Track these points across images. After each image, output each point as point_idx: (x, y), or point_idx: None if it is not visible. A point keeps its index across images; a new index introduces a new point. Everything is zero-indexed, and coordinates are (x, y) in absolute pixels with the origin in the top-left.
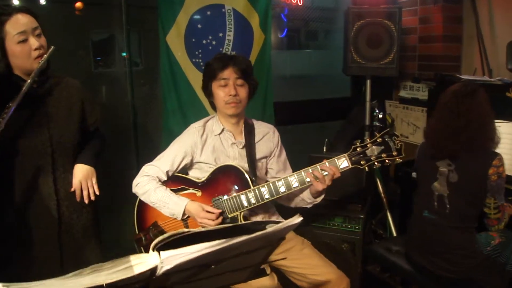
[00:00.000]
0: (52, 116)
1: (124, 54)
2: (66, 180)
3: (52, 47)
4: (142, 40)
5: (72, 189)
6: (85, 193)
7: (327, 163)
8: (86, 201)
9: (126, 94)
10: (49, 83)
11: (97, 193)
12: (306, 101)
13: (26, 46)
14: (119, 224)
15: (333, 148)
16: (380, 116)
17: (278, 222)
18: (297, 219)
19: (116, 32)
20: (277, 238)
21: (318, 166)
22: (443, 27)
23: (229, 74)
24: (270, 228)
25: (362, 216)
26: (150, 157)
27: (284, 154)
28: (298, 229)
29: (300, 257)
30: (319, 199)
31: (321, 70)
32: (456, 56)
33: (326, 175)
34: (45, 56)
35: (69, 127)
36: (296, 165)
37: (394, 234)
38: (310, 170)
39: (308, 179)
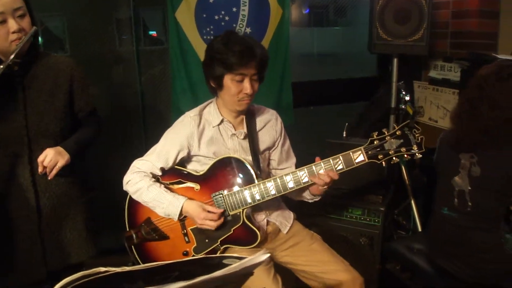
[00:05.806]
0: (31, 101)
1: (151, 32)
2: None
3: (34, 27)
4: (166, 18)
5: (39, 160)
6: (40, 169)
7: (322, 164)
8: (40, 170)
9: (135, 75)
10: (34, 65)
11: (49, 178)
12: (327, 81)
13: (3, 28)
14: (122, 215)
15: (354, 132)
16: (407, 98)
17: (239, 258)
18: (263, 256)
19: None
20: (241, 275)
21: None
22: (479, 1)
23: (249, 70)
24: (228, 267)
25: (382, 209)
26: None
27: (287, 142)
28: (313, 220)
29: (308, 254)
30: (318, 197)
31: (346, 48)
32: (492, 34)
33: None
34: (24, 38)
35: (49, 113)
36: (314, 152)
37: (419, 228)
38: (322, 164)
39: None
